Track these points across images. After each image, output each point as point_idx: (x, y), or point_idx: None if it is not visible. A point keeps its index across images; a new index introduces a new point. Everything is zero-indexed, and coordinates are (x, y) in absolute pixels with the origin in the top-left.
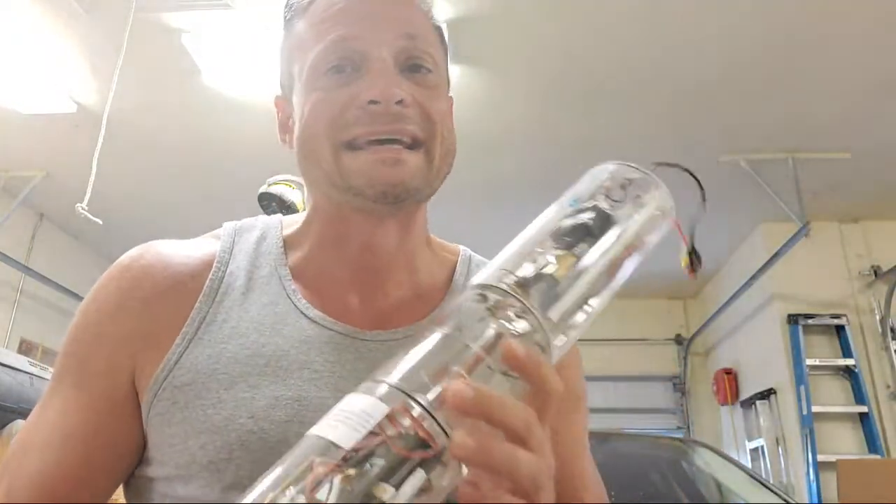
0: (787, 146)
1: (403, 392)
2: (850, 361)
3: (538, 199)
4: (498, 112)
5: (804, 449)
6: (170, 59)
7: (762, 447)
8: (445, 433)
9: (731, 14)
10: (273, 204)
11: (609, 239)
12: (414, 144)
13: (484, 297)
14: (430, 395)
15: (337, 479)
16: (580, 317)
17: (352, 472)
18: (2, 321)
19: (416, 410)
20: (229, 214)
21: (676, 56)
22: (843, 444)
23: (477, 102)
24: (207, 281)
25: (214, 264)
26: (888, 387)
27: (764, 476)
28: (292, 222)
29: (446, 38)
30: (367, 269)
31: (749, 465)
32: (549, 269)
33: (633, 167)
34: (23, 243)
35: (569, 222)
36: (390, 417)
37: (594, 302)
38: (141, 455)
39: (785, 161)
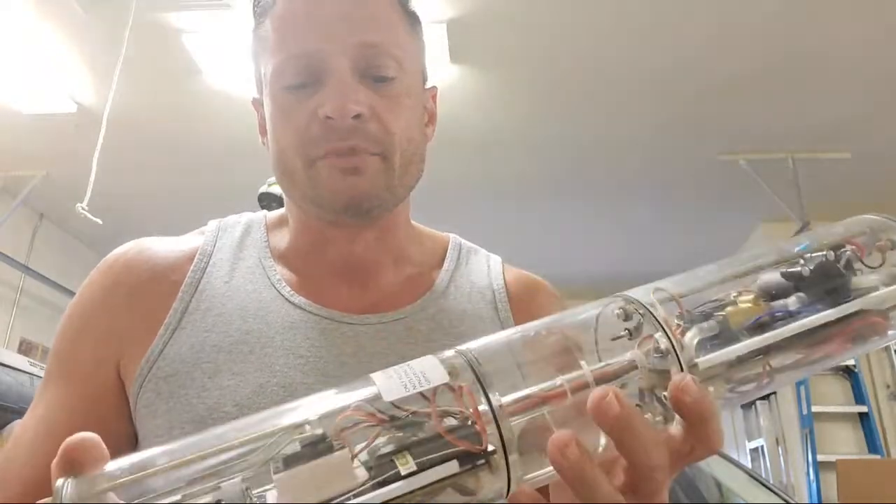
0: (787, 146)
1: (478, 379)
2: (850, 361)
3: (538, 198)
4: (497, 112)
5: (804, 449)
6: (170, 59)
7: (762, 447)
8: (501, 437)
9: (732, 15)
10: (273, 204)
11: (827, 301)
12: (373, 153)
13: (625, 314)
14: (509, 396)
15: (366, 431)
16: (747, 386)
17: (384, 435)
18: (2, 321)
19: (482, 404)
20: (229, 214)
21: (676, 56)
22: (843, 444)
23: (477, 102)
24: (189, 272)
25: (197, 256)
26: (888, 387)
27: (764, 476)
28: (276, 218)
29: (422, 28)
30: (349, 271)
31: (749, 465)
32: (721, 307)
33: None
34: (23, 243)
35: (778, 265)
36: (452, 390)
37: (774, 374)
38: (132, 449)
39: (785, 161)
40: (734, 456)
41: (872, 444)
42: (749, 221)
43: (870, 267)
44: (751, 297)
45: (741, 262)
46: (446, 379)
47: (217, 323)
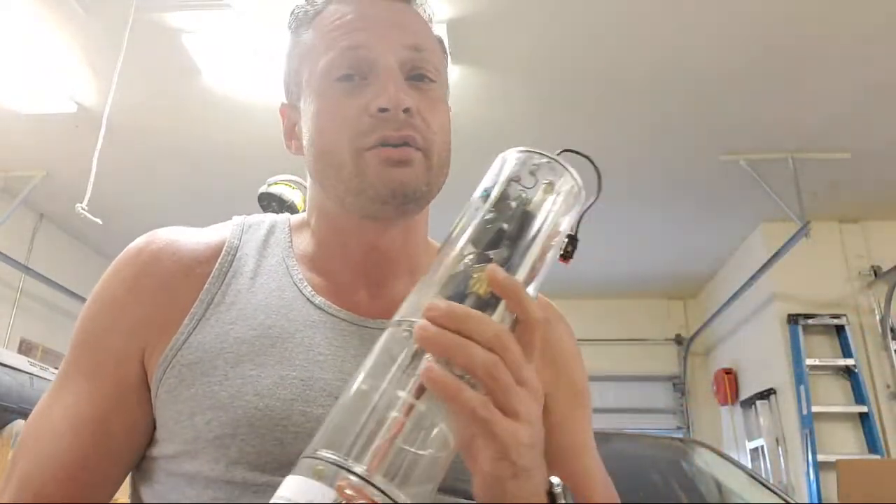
0: (787, 146)
1: (341, 466)
2: (850, 361)
3: None
4: (497, 112)
5: (804, 449)
6: (170, 59)
7: (762, 447)
8: (387, 495)
9: (732, 14)
10: (273, 204)
11: (529, 238)
12: (418, 148)
13: (412, 334)
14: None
15: None
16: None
17: None
18: (2, 321)
19: (354, 480)
20: (229, 214)
21: (677, 56)
22: (843, 444)
23: (477, 102)
24: (217, 264)
25: (224, 248)
26: (888, 387)
27: (764, 476)
28: (299, 220)
29: (447, 45)
30: (371, 269)
31: (749, 465)
32: (475, 288)
33: (539, 153)
34: (23, 243)
35: (487, 228)
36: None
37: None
38: (151, 438)
39: (785, 161)
40: (734, 456)
41: (872, 444)
42: (749, 221)
43: (528, 188)
44: (484, 265)
45: (463, 234)
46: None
47: (241, 317)
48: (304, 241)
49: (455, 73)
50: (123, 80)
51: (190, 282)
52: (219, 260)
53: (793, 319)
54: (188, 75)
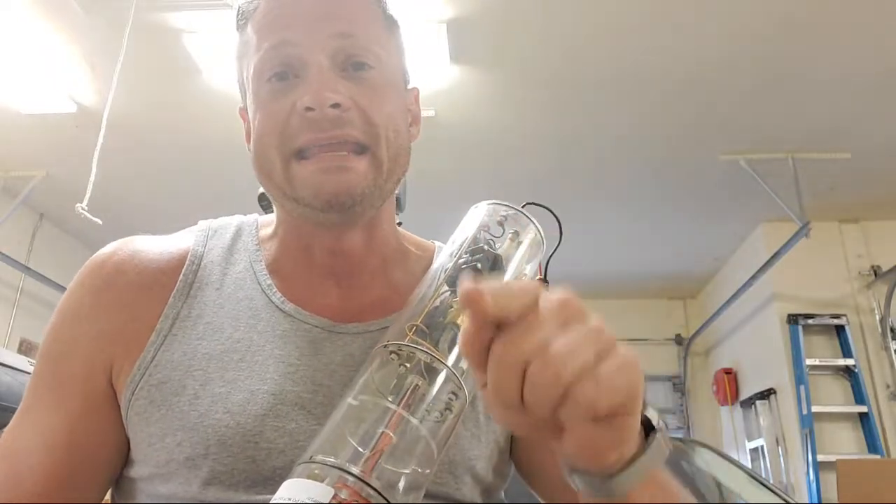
0: (787, 146)
1: (339, 468)
2: (850, 361)
3: (535, 199)
4: (496, 112)
5: (804, 449)
6: (170, 59)
7: (762, 447)
8: (382, 495)
9: (732, 13)
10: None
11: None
12: (359, 149)
13: (398, 356)
14: (361, 463)
15: None
16: None
17: None
18: (2, 321)
19: (351, 480)
20: (229, 214)
21: (676, 56)
22: (843, 444)
23: (476, 102)
24: (181, 276)
25: (188, 258)
26: (888, 387)
27: (764, 476)
28: (268, 221)
29: (401, 32)
30: (339, 271)
31: (749, 465)
32: (451, 317)
33: (505, 205)
34: (23, 243)
35: (462, 269)
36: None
37: None
38: (126, 455)
39: (785, 161)
40: (734, 456)
41: (872, 444)
42: (749, 221)
43: (496, 237)
44: (455, 298)
45: (439, 271)
46: (332, 492)
47: (208, 331)
48: (272, 244)
49: (455, 73)
50: (123, 80)
51: (154, 295)
52: (183, 271)
53: (793, 319)
54: (188, 75)
